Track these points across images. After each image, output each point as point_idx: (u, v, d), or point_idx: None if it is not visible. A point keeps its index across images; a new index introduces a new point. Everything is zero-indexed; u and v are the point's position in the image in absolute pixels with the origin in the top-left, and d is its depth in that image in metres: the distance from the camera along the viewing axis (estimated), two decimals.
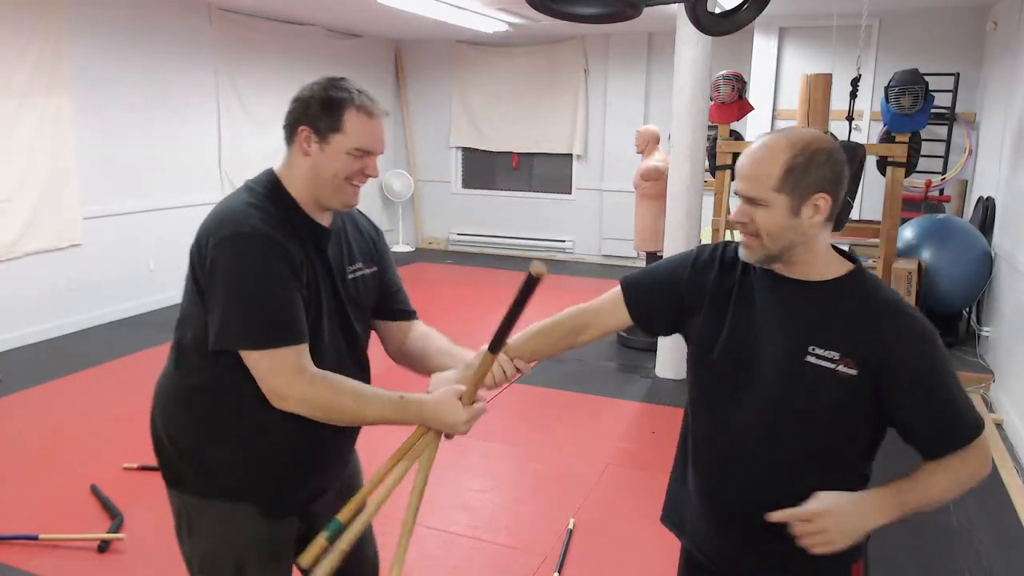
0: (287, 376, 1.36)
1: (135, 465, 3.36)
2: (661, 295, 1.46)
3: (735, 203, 1.36)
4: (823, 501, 1.25)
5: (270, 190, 1.47)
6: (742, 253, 1.34)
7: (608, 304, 1.51)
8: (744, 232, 1.32)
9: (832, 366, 1.26)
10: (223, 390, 1.44)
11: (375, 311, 1.66)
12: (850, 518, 1.24)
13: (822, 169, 1.26)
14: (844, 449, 1.32)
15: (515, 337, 1.50)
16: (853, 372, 1.25)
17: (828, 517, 1.24)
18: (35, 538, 2.81)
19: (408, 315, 1.71)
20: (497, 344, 1.45)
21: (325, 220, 1.51)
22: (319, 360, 1.43)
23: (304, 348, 1.38)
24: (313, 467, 1.55)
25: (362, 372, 1.59)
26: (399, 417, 1.43)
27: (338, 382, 1.41)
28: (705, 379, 1.41)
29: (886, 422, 1.31)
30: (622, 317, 1.49)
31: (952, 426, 1.26)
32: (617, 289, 1.51)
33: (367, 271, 1.60)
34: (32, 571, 2.66)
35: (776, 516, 1.27)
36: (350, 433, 1.62)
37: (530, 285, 1.34)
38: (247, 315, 1.36)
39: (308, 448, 1.51)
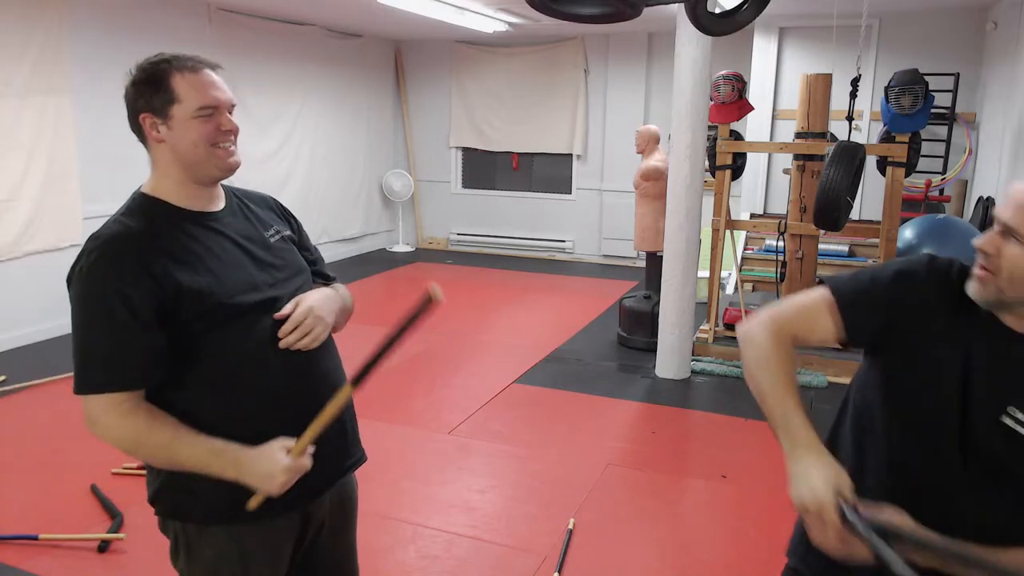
0: (105, 406, 1.36)
1: (135, 465, 3.36)
2: (876, 316, 1.24)
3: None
4: None
5: (132, 203, 1.44)
6: (971, 287, 1.17)
7: (811, 320, 1.28)
8: (983, 263, 1.15)
9: None
10: (182, 401, 1.40)
11: None
12: None
13: None
14: None
15: (801, 425, 1.19)
16: None
17: None
18: (35, 538, 2.81)
19: (327, 279, 1.67)
20: (361, 378, 1.38)
21: (216, 203, 1.49)
22: (256, 325, 1.41)
23: (128, 394, 1.35)
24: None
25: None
26: (214, 463, 1.34)
27: (160, 418, 1.35)
28: (907, 415, 1.24)
29: None
30: (829, 336, 1.27)
31: None
32: (826, 301, 1.27)
33: (283, 234, 1.58)
34: (32, 571, 2.66)
35: None
36: (340, 426, 1.57)
37: (423, 308, 1.30)
38: (79, 363, 1.36)
39: (294, 421, 1.44)
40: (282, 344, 1.43)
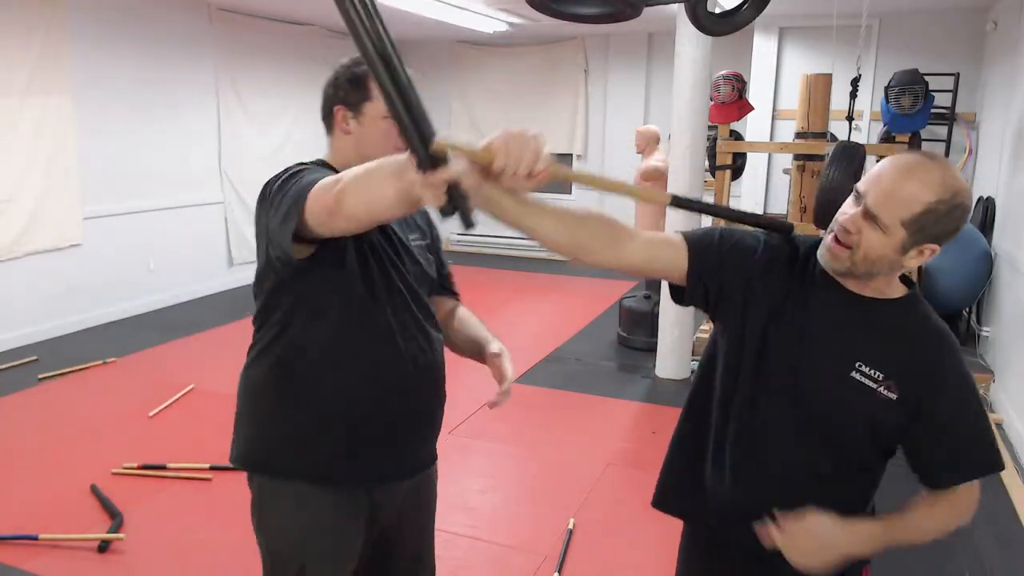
0: (327, 191, 1.26)
1: (135, 465, 3.36)
2: (720, 271, 1.31)
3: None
4: (806, 518, 1.25)
5: (327, 168, 1.48)
6: (823, 256, 1.26)
7: (662, 240, 1.33)
8: (840, 238, 1.22)
9: (875, 386, 1.24)
10: (290, 354, 1.47)
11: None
12: (818, 541, 1.24)
13: (952, 223, 1.19)
14: (866, 469, 1.33)
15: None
16: (893, 396, 1.24)
17: (800, 533, 1.24)
18: (35, 538, 2.81)
19: (453, 294, 1.79)
20: (682, 203, 1.31)
21: None
22: (386, 325, 1.48)
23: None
24: (382, 438, 1.54)
25: (427, 339, 1.58)
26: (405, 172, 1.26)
27: (333, 176, 1.30)
28: (741, 376, 1.33)
29: (896, 447, 1.32)
30: (672, 263, 1.31)
31: (968, 457, 1.28)
32: (677, 236, 1.34)
33: (423, 243, 1.65)
34: (32, 571, 2.66)
35: (768, 525, 1.27)
36: (430, 418, 1.63)
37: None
38: (289, 187, 1.35)
39: (378, 414, 1.51)
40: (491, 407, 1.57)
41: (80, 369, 4.65)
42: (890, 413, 1.24)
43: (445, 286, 1.77)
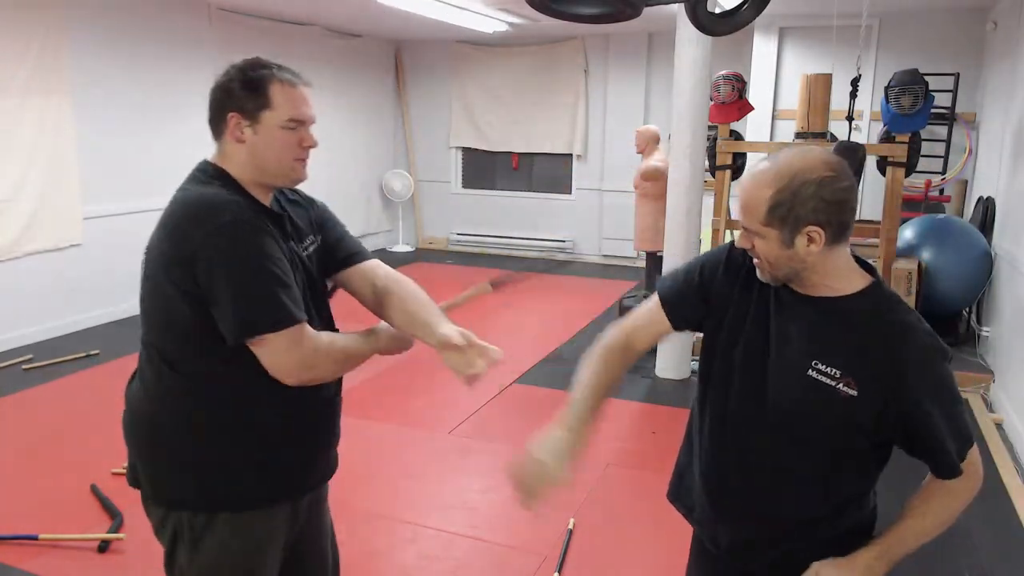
0: (294, 351, 1.38)
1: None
2: (693, 299, 1.45)
3: (734, 204, 1.38)
4: (816, 573, 1.29)
5: (221, 178, 1.45)
6: (758, 272, 1.34)
7: (647, 318, 1.51)
8: (753, 255, 1.32)
9: (833, 383, 1.25)
10: (222, 387, 1.43)
11: (334, 269, 1.64)
12: None
13: (810, 202, 1.22)
14: (840, 468, 1.32)
15: (575, 406, 1.49)
16: (853, 392, 1.24)
17: None
18: (35, 538, 2.81)
19: (360, 255, 1.67)
20: (500, 284, 1.56)
21: (268, 203, 1.51)
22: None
23: (305, 321, 1.41)
24: (316, 445, 1.58)
25: None
26: (393, 343, 1.61)
27: (329, 337, 1.48)
28: (716, 381, 1.40)
29: (887, 443, 1.32)
30: (664, 328, 1.49)
31: (943, 452, 1.26)
32: (655, 301, 1.49)
33: (314, 245, 1.60)
34: (32, 571, 2.66)
35: None
36: (335, 428, 1.65)
37: (517, 278, 1.44)
38: (261, 301, 1.35)
39: (307, 427, 1.54)
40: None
41: (80, 369, 4.66)
42: (853, 409, 1.24)
43: (350, 252, 1.66)
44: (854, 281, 1.30)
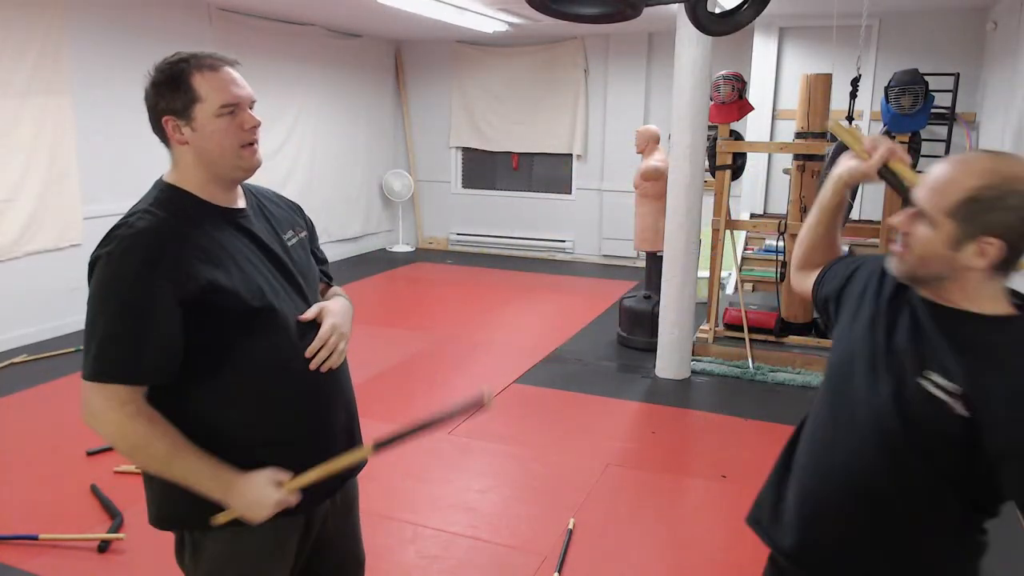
0: (111, 402, 1.34)
1: (134, 466, 3.36)
2: (835, 281, 1.44)
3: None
4: None
5: (160, 193, 1.41)
6: (890, 262, 1.25)
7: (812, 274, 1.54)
8: (898, 240, 1.22)
9: (946, 398, 1.14)
10: (204, 405, 1.39)
11: None
12: None
13: (1011, 213, 1.10)
14: (943, 500, 1.23)
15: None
16: (966, 414, 1.13)
17: None
18: (35, 538, 2.81)
19: (324, 277, 1.69)
20: (386, 444, 1.45)
21: (238, 202, 1.48)
22: (280, 331, 1.41)
23: (139, 389, 1.34)
24: (309, 461, 1.51)
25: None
26: (205, 482, 1.34)
27: (161, 428, 1.34)
28: (831, 384, 1.35)
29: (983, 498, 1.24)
30: (811, 284, 1.51)
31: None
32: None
33: (297, 237, 1.58)
34: (32, 571, 2.66)
35: None
36: (349, 436, 1.61)
37: (472, 407, 1.40)
38: (94, 349, 1.33)
39: (313, 433, 1.50)
40: (312, 365, 1.45)
41: (80, 369, 4.64)
42: (958, 431, 1.14)
43: (323, 274, 1.68)
44: (997, 303, 1.19)
